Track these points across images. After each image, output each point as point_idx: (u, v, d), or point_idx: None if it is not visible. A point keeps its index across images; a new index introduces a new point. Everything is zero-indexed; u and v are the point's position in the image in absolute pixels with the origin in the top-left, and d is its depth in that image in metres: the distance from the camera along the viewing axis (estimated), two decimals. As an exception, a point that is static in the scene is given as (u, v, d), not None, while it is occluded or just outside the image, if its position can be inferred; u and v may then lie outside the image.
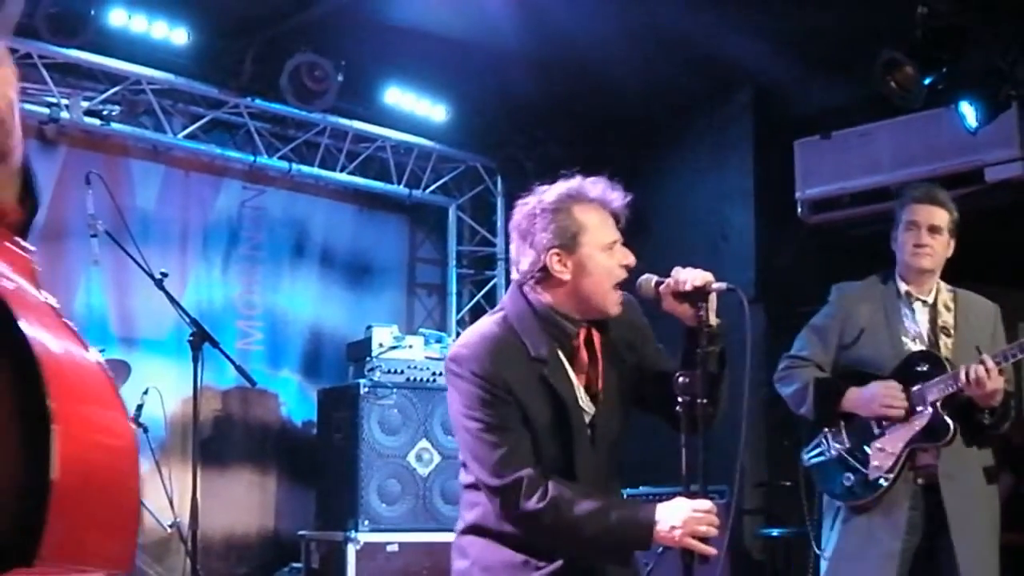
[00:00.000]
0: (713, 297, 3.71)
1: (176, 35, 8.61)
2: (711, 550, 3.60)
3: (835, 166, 8.75)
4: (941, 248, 5.45)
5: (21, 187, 2.27)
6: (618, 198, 3.84)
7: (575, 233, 3.75)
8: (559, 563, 3.74)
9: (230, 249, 9.80)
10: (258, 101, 9.37)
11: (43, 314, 2.02)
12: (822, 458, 5.52)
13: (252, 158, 9.71)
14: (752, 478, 8.99)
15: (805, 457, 5.60)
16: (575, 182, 3.83)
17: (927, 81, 7.67)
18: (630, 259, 3.83)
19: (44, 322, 1.98)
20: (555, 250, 3.74)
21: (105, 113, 8.80)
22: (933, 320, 5.49)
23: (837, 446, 5.47)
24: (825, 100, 9.01)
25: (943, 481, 5.26)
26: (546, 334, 3.80)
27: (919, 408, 5.28)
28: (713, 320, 3.71)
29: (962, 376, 5.13)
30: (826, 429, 5.53)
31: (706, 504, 3.62)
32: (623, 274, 3.81)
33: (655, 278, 3.79)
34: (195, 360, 6.89)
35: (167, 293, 6.93)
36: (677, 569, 3.68)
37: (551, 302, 3.81)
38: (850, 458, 5.41)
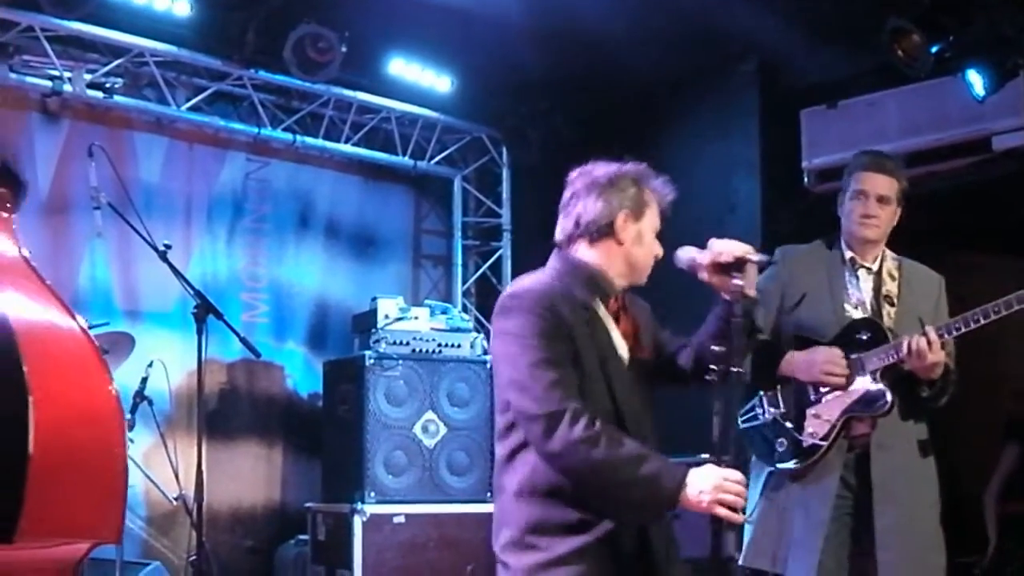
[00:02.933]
0: (752, 268, 3.76)
1: (178, 6, 8.53)
2: (739, 517, 3.68)
3: (841, 135, 8.70)
4: (888, 218, 5.42)
5: None
6: (671, 198, 4.07)
7: (643, 205, 3.99)
8: (611, 525, 3.77)
9: (235, 221, 9.78)
10: (262, 72, 9.31)
11: (23, 279, 1.98)
12: (756, 422, 5.46)
13: (256, 130, 9.67)
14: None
15: (738, 421, 5.54)
16: (643, 167, 4.07)
17: (934, 49, 7.62)
18: (660, 251, 4.04)
19: (24, 288, 1.94)
20: (627, 211, 3.95)
21: (108, 86, 8.75)
22: (877, 288, 5.46)
23: (772, 410, 5.41)
24: (831, 69, 8.95)
25: (874, 451, 5.24)
26: (588, 291, 3.94)
27: (858, 376, 5.26)
28: (752, 291, 3.77)
29: (904, 347, 5.11)
30: (761, 393, 5.49)
31: (736, 474, 3.68)
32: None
33: (693, 249, 3.95)
34: (199, 332, 6.86)
35: (171, 265, 6.89)
36: (689, 539, 3.71)
37: (596, 261, 3.98)
38: (785, 423, 5.36)
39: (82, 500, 1.93)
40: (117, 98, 8.85)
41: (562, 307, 3.81)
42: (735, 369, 3.67)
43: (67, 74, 8.51)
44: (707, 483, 3.62)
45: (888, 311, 5.40)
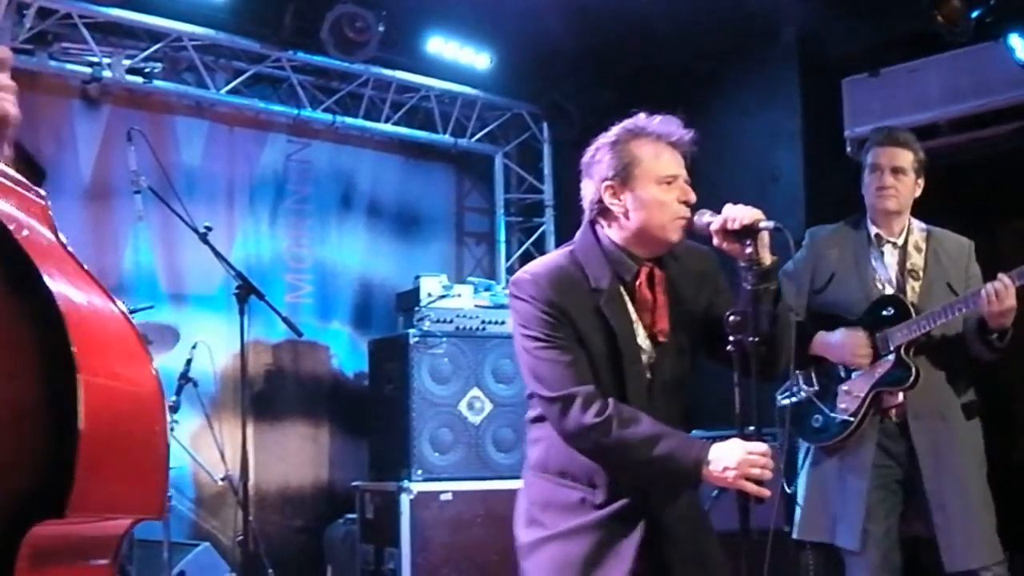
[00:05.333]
0: (764, 235, 3.71)
1: (215, -11, 8.59)
2: (765, 492, 3.62)
3: (884, 103, 8.63)
4: (906, 189, 5.49)
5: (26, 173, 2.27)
6: (680, 132, 3.90)
7: (627, 165, 3.84)
8: (619, 504, 3.79)
9: (277, 203, 9.81)
10: (300, 54, 9.33)
11: (64, 263, 2.01)
12: (793, 399, 5.61)
13: (296, 111, 9.69)
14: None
15: (778, 399, 5.67)
16: (638, 118, 3.92)
17: (974, 14, 7.57)
18: (690, 195, 3.88)
19: (65, 271, 1.97)
20: (608, 183, 3.85)
21: (147, 71, 8.80)
22: (902, 263, 5.51)
23: (807, 388, 5.59)
24: (872, 37, 8.88)
25: (911, 421, 5.34)
26: (609, 268, 3.87)
27: (884, 353, 5.35)
28: (767, 258, 3.71)
29: (983, 295, 5.10)
30: (797, 372, 5.60)
31: (761, 447, 3.63)
32: (683, 210, 3.85)
33: (708, 213, 3.83)
34: (242, 313, 6.89)
35: (211, 247, 6.92)
36: (733, 512, 3.68)
37: (614, 237, 3.89)
38: (818, 401, 5.52)
39: (127, 476, 1.97)
40: (157, 83, 8.89)
41: (564, 293, 3.79)
42: (752, 338, 3.61)
43: (106, 60, 8.55)
44: (732, 458, 3.59)
45: (912, 285, 5.47)
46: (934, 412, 5.35)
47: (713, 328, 3.89)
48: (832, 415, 5.43)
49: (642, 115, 3.92)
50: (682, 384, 3.98)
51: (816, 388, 5.53)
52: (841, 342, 5.40)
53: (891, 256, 5.52)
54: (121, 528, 2.00)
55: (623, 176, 3.83)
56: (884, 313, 5.38)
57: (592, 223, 3.97)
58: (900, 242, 5.53)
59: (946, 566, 5.20)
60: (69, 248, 2.11)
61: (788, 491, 5.65)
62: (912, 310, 5.32)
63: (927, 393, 5.33)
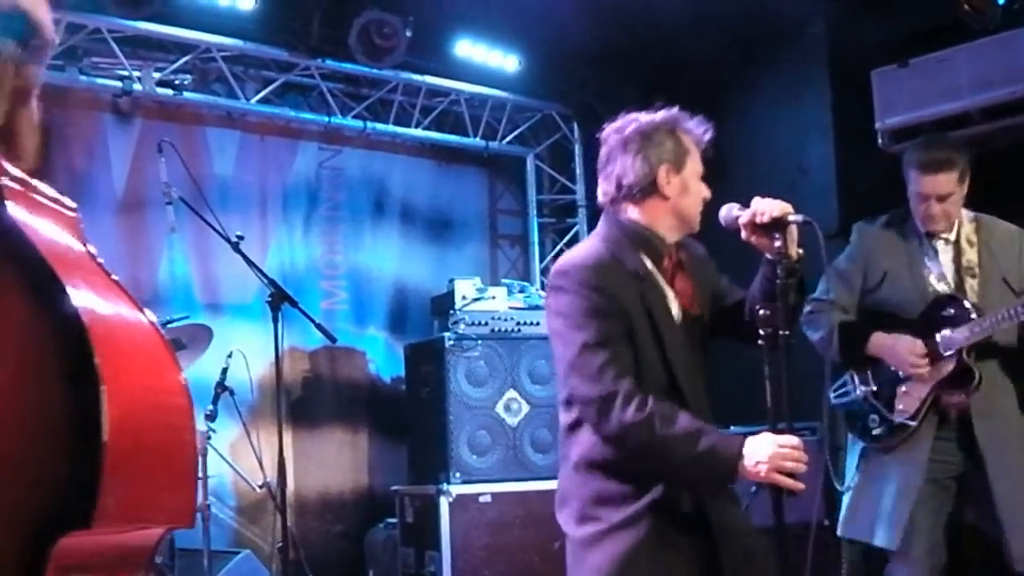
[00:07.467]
0: (793, 228, 3.72)
1: (242, 0, 8.61)
2: (798, 485, 3.63)
3: (914, 94, 8.59)
4: (955, 207, 5.36)
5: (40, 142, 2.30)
6: (709, 136, 4.03)
7: (683, 154, 3.96)
8: (670, 491, 3.79)
9: (310, 211, 9.85)
10: (329, 61, 9.37)
11: (91, 274, 2.03)
12: (847, 399, 5.52)
13: (327, 119, 9.74)
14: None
15: (831, 397, 5.54)
16: (676, 112, 4.01)
17: (1001, 1, 7.53)
18: (707, 193, 4.02)
19: (91, 282, 1.99)
20: (668, 165, 3.92)
21: (177, 83, 8.84)
22: (957, 259, 5.40)
23: (863, 388, 5.47)
24: (900, 28, 8.85)
25: (976, 420, 5.24)
26: (639, 252, 3.94)
27: (945, 354, 5.24)
28: (793, 252, 3.73)
29: None
30: (852, 370, 5.50)
31: (792, 440, 3.64)
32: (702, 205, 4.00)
33: (736, 207, 3.87)
34: (275, 321, 6.92)
35: (244, 255, 6.95)
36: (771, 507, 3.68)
37: (644, 220, 3.96)
38: (875, 401, 5.41)
39: (155, 485, 1.99)
40: (187, 94, 8.95)
41: (612, 281, 3.82)
42: (783, 332, 3.62)
43: (136, 73, 8.61)
44: (764, 452, 3.60)
45: (971, 284, 5.36)
46: (997, 411, 5.27)
47: (718, 310, 4.07)
48: (890, 416, 5.34)
49: (676, 110, 4.01)
50: (704, 350, 4.06)
51: (872, 388, 5.44)
52: (898, 351, 5.29)
53: (944, 253, 5.41)
54: (152, 538, 2.01)
55: (678, 163, 3.94)
56: (943, 313, 5.28)
57: (610, 212, 4.04)
58: (952, 237, 5.41)
59: (1016, 564, 5.13)
60: (98, 260, 2.13)
61: (840, 489, 5.61)
62: (973, 311, 5.22)
63: (989, 392, 5.26)
